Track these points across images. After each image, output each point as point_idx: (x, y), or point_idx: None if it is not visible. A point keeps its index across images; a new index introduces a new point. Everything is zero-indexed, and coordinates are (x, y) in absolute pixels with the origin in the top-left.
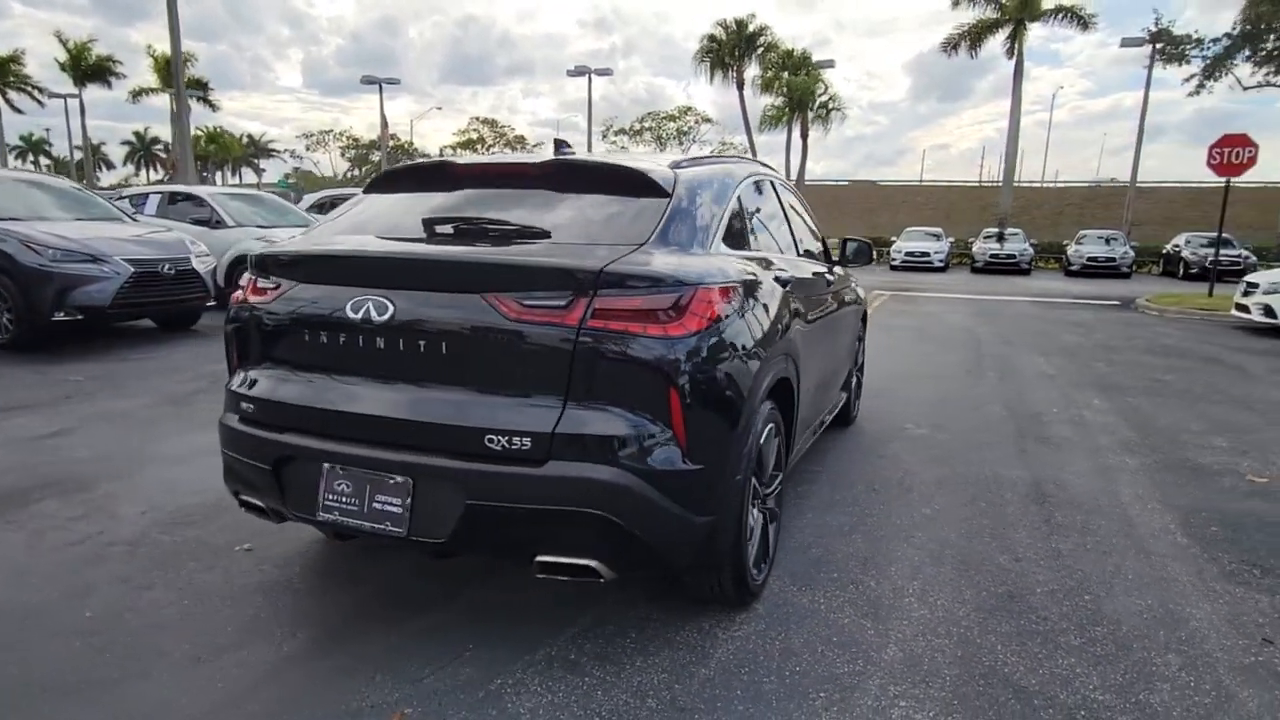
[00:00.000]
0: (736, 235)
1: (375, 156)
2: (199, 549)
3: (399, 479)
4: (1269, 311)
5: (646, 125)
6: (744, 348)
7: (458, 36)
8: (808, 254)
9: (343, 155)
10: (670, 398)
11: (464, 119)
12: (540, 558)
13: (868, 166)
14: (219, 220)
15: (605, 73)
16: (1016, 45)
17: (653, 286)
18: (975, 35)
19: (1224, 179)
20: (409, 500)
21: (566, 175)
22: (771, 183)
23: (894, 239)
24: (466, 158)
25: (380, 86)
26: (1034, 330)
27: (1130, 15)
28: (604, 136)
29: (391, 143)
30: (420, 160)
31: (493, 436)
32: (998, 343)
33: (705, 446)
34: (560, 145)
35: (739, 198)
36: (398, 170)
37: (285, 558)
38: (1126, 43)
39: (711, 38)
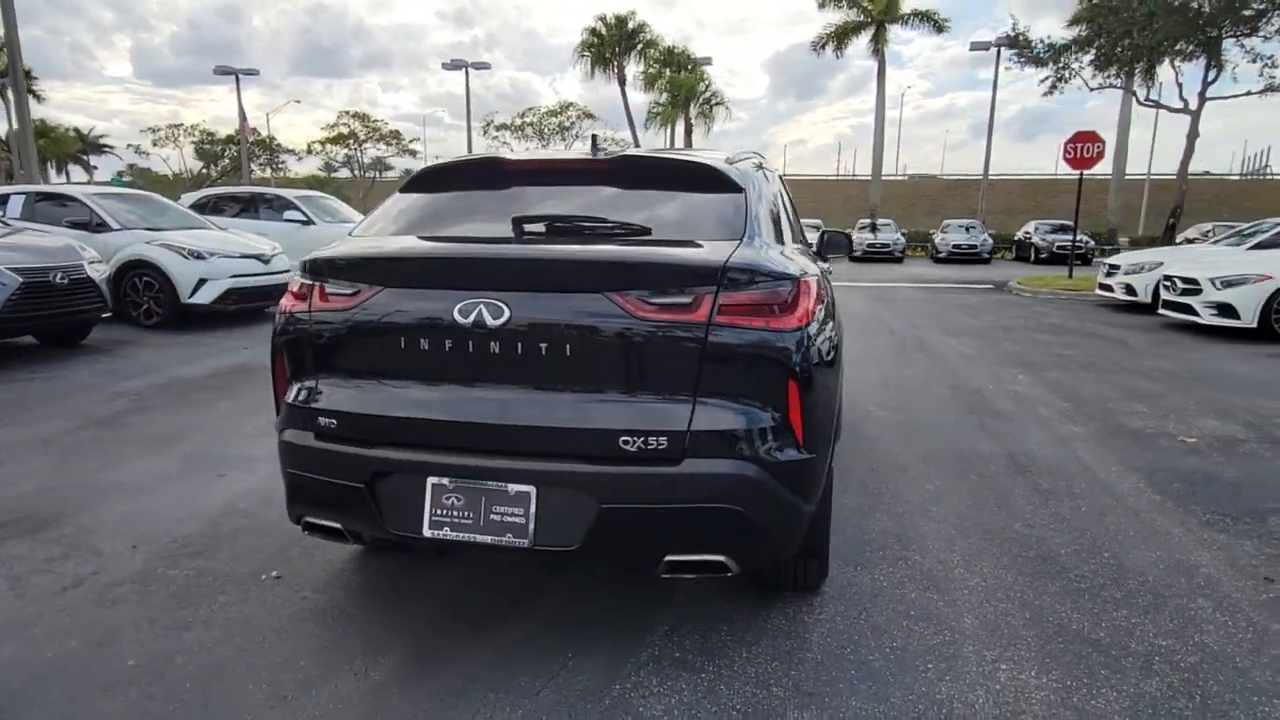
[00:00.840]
0: (786, 227)
1: (232, 152)
2: (220, 581)
3: (520, 488)
4: (1130, 290)
5: (528, 120)
6: (831, 337)
7: (307, 25)
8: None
9: (197, 153)
10: (789, 389)
11: (322, 113)
12: (670, 558)
13: None
14: (101, 223)
15: (483, 67)
16: (879, 46)
17: (768, 281)
18: (841, 36)
19: (1077, 171)
20: (531, 509)
21: (635, 171)
22: (779, 175)
23: None
24: (518, 154)
25: (237, 78)
26: (931, 314)
27: (959, 19)
28: (484, 132)
29: (252, 138)
30: (468, 156)
31: (627, 438)
32: (906, 326)
33: (814, 435)
34: (596, 141)
35: (778, 190)
36: (444, 167)
37: (322, 582)
38: (975, 46)
39: (593, 32)
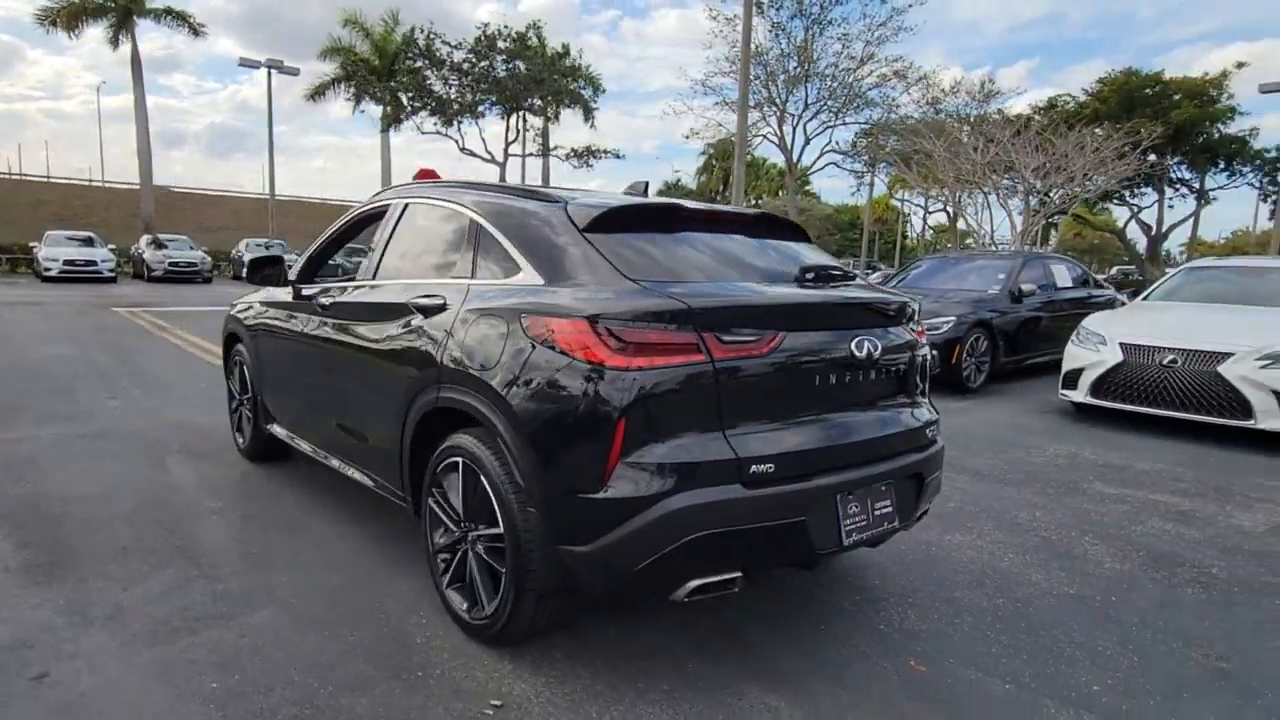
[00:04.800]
0: None
1: None
2: None
3: (885, 485)
4: None
5: None
6: None
7: None
8: None
9: None
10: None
11: None
12: (924, 508)
13: None
14: None
15: None
16: (129, 35)
17: None
18: (74, 16)
19: None
20: (894, 498)
21: (767, 223)
22: None
23: (35, 244)
24: (691, 203)
25: None
26: None
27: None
28: None
29: None
30: (652, 200)
31: (929, 428)
32: None
33: None
34: (647, 188)
35: None
36: (638, 209)
37: (562, 691)
38: (244, 62)
39: None
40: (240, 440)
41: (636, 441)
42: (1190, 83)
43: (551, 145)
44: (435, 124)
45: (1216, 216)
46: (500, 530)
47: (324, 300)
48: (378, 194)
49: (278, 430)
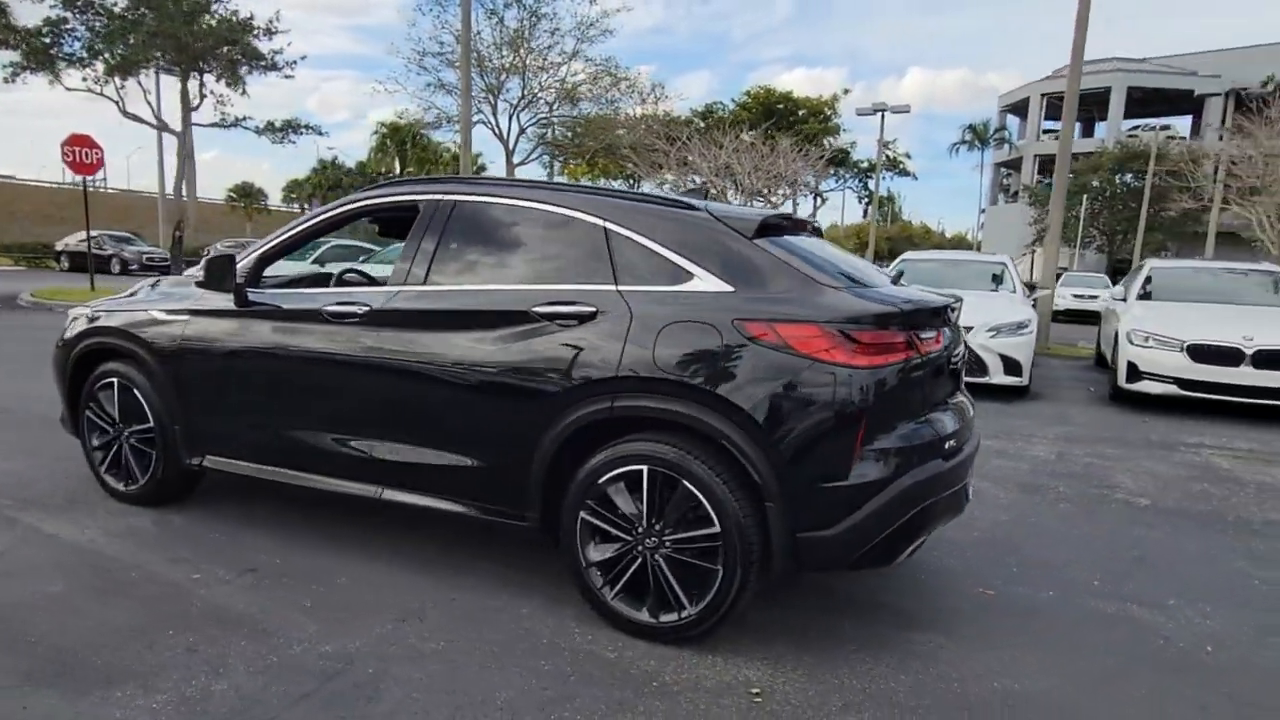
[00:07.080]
0: None
1: None
2: None
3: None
4: None
5: None
6: None
7: None
8: None
9: None
10: None
11: None
12: None
13: None
14: None
15: None
16: None
17: None
18: None
19: (80, 176)
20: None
21: (814, 228)
22: None
23: None
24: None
25: None
26: None
27: None
28: None
29: None
30: (770, 211)
31: None
32: None
33: None
34: (707, 191)
35: None
36: (781, 220)
37: (789, 669)
38: None
39: None
40: (120, 484)
41: (875, 431)
42: (811, 102)
43: (241, 115)
44: (85, 80)
45: (823, 213)
46: (715, 530)
47: (340, 309)
48: (382, 188)
49: (224, 463)
